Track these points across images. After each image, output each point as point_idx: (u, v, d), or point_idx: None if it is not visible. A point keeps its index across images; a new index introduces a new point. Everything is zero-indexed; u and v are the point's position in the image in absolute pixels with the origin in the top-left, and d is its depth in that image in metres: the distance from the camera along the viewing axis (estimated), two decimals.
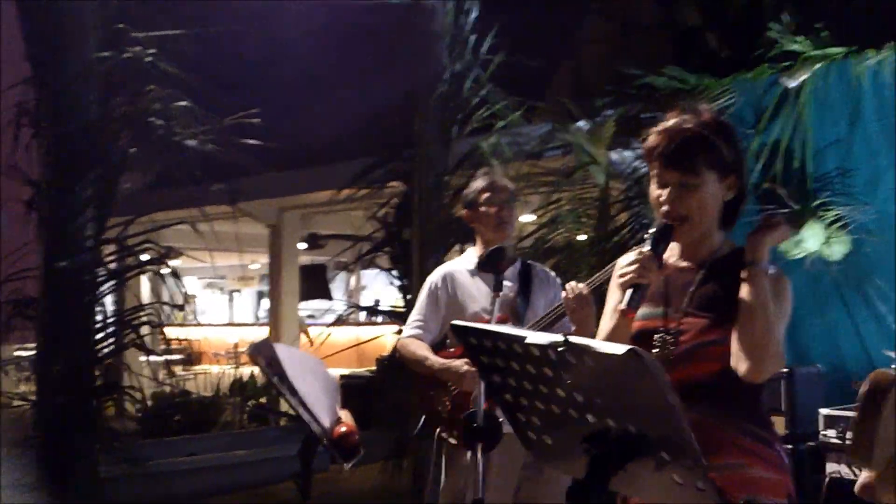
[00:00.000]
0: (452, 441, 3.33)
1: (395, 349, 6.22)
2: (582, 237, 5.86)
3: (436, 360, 3.39)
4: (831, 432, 3.83)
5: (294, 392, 2.11)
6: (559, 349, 1.34)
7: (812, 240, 4.50)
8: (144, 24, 5.59)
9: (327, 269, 16.49)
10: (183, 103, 5.67)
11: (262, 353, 2.18)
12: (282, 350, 2.21)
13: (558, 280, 3.61)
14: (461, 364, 3.29)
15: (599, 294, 2.60)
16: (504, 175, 3.95)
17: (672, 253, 2.19)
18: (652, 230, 2.07)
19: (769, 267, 2.05)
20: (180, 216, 6.04)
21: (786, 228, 2.08)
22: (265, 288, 17.82)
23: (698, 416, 2.00)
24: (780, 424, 4.04)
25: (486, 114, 5.87)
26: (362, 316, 17.60)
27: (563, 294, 2.86)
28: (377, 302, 13.71)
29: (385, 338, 8.11)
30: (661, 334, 2.09)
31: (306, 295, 14.35)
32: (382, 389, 6.87)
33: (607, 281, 2.81)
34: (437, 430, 3.34)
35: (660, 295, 2.14)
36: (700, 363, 2.04)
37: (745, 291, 2.02)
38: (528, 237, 5.99)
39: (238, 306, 24.74)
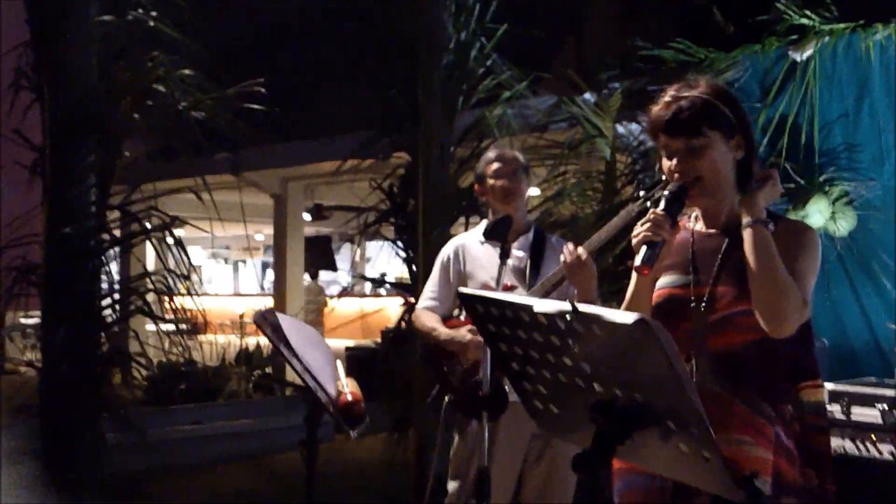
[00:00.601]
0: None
1: (399, 320, 6.24)
2: (587, 210, 5.85)
3: (442, 331, 3.44)
4: (836, 407, 3.84)
5: (300, 360, 2.12)
6: (567, 317, 1.34)
7: (817, 215, 4.49)
8: None
9: (332, 240, 16.50)
10: (186, 71, 5.64)
11: (269, 320, 2.19)
12: (284, 320, 2.23)
13: (564, 241, 3.63)
14: (465, 333, 3.33)
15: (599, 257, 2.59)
16: (512, 147, 3.94)
17: (696, 221, 2.21)
18: (665, 192, 2.09)
19: (769, 222, 2.06)
20: (184, 185, 6.03)
21: (776, 181, 2.10)
22: (270, 258, 17.85)
23: (717, 389, 2.02)
24: None
25: (492, 84, 5.84)
26: (367, 287, 17.66)
27: (562, 258, 2.87)
28: (383, 274, 13.72)
29: (389, 309, 8.14)
30: (693, 303, 2.10)
31: (312, 266, 14.38)
32: (387, 361, 6.89)
33: (607, 243, 2.83)
34: (447, 398, 3.37)
35: (687, 262, 2.16)
36: (734, 332, 2.06)
37: (748, 249, 2.04)
38: (533, 210, 5.97)
39: (243, 276, 24.81)
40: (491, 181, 3.54)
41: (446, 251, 3.64)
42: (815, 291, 4.68)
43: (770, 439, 2.04)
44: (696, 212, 2.24)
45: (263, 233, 18.74)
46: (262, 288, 21.96)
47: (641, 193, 2.41)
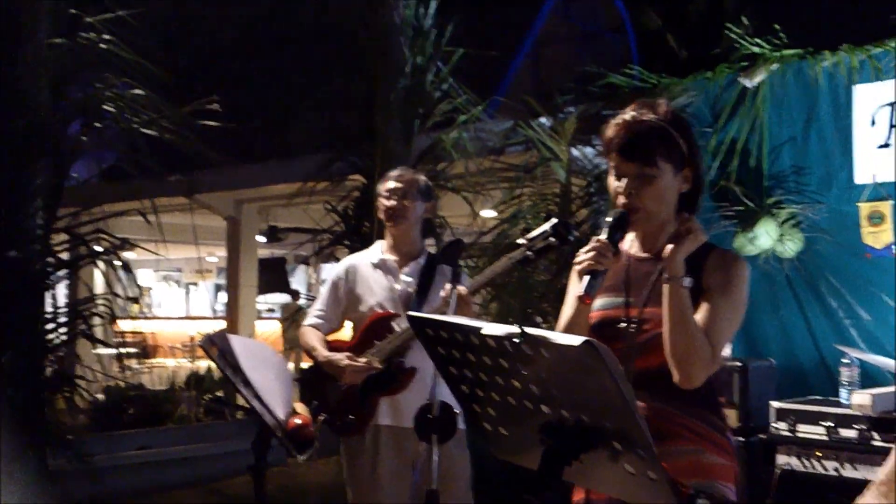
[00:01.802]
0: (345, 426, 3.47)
1: None
2: None
3: (321, 352, 3.48)
4: (782, 425, 3.90)
5: (248, 384, 2.09)
6: (515, 340, 1.34)
7: (765, 237, 4.56)
8: (100, 11, 5.47)
9: (286, 262, 16.37)
10: (138, 91, 5.57)
11: (217, 344, 2.16)
12: (237, 341, 2.20)
13: (465, 275, 3.65)
14: (342, 358, 3.38)
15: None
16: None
17: (632, 244, 2.22)
18: (609, 218, 2.09)
19: (687, 280, 2.04)
20: (135, 207, 5.95)
21: (697, 233, 2.07)
22: (223, 281, 17.67)
23: (658, 404, 2.04)
24: (732, 417, 4.10)
25: (448, 108, 5.86)
26: None
27: (441, 294, 2.89)
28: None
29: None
30: (624, 324, 2.11)
31: (266, 288, 14.25)
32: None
33: (490, 282, 2.86)
34: (322, 417, 3.37)
35: (621, 285, 2.17)
36: (662, 352, 2.06)
37: (664, 305, 2.04)
38: (489, 232, 6.00)
39: (195, 299, 24.50)
40: (381, 200, 3.54)
41: (337, 270, 3.67)
42: (764, 312, 4.79)
43: (726, 447, 2.09)
44: (632, 235, 2.24)
45: (216, 255, 18.55)
46: (214, 311, 21.71)
47: (524, 240, 2.41)
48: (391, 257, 3.58)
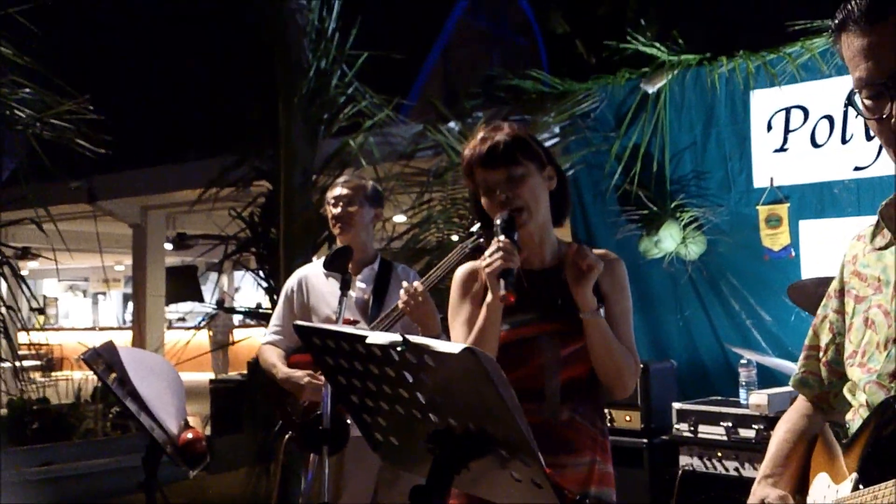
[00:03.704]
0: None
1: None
2: (454, 237, 5.88)
3: (280, 370, 3.38)
4: (683, 426, 3.97)
5: (136, 396, 2.02)
6: (399, 349, 1.32)
7: (669, 240, 4.65)
8: None
9: (198, 269, 16.04)
10: (27, 90, 5.33)
11: (104, 357, 2.08)
12: (125, 353, 2.12)
13: (415, 273, 3.63)
14: (302, 375, 3.29)
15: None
16: (361, 175, 3.92)
17: (522, 260, 2.23)
18: (497, 221, 2.13)
19: (598, 311, 2.14)
20: (30, 216, 5.71)
21: (596, 267, 2.13)
22: (131, 290, 17.23)
23: (578, 416, 2.09)
24: (635, 419, 4.16)
25: (353, 111, 5.81)
26: (237, 318, 17.24)
27: (402, 294, 2.88)
28: (258, 305, 13.46)
29: (253, 339, 7.94)
30: (547, 338, 2.13)
31: (177, 297, 13.93)
32: (251, 393, 6.71)
33: (443, 279, 2.87)
34: (287, 435, 3.30)
35: (528, 301, 2.18)
36: (582, 363, 2.15)
37: (588, 338, 2.13)
38: (399, 237, 5.97)
39: (104, 310, 23.82)
40: (329, 208, 3.50)
41: (290, 283, 3.59)
42: (668, 314, 4.86)
43: (609, 452, 2.20)
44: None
45: (124, 263, 18.07)
46: (123, 321, 21.15)
47: (474, 229, 2.44)
48: None
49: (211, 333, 13.82)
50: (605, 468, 2.16)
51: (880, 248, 1.39)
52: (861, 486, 1.22)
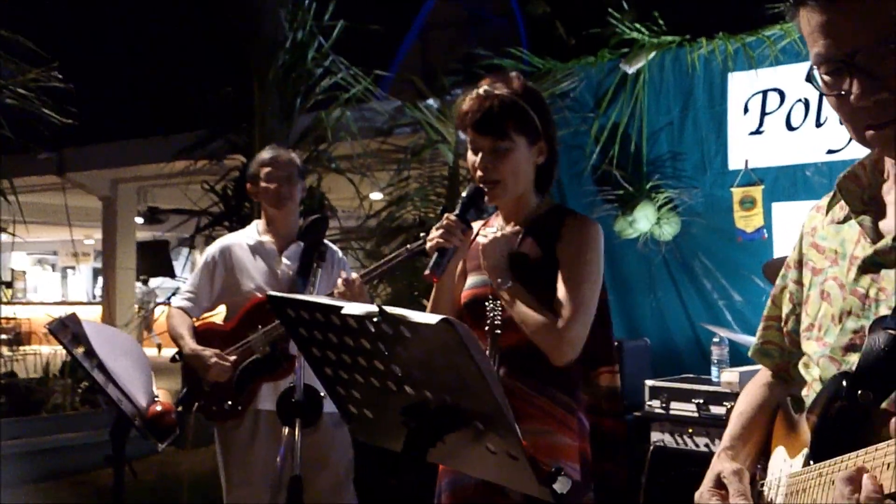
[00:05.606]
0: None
1: None
2: (431, 215, 5.86)
3: (188, 343, 3.34)
4: (655, 402, 3.99)
5: (103, 369, 1.98)
6: (374, 319, 1.30)
7: (644, 220, 4.66)
8: None
9: (170, 244, 15.89)
10: None
11: (70, 328, 2.04)
12: (90, 327, 2.08)
13: (345, 261, 3.62)
14: (210, 354, 3.26)
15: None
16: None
17: (497, 223, 2.22)
18: (463, 194, 2.10)
19: (508, 282, 2.07)
20: None
21: (497, 242, 2.10)
22: (101, 265, 17.04)
23: (513, 382, 2.05)
24: None
25: (330, 83, 5.74)
26: None
27: (339, 282, 2.87)
28: None
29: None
30: (490, 302, 2.11)
31: (148, 272, 13.78)
32: None
33: (386, 272, 2.86)
34: (197, 404, 3.28)
35: None
36: (521, 330, 2.08)
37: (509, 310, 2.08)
38: (376, 215, 5.94)
39: (72, 284, 23.57)
40: (264, 184, 3.46)
41: (212, 251, 3.55)
42: (641, 293, 4.88)
43: (573, 427, 2.10)
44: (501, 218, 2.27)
45: (94, 237, 17.86)
46: (93, 296, 20.93)
47: (422, 235, 2.41)
48: (268, 239, 3.49)
49: None
50: (556, 440, 2.08)
51: (839, 222, 1.39)
52: (811, 462, 1.22)
